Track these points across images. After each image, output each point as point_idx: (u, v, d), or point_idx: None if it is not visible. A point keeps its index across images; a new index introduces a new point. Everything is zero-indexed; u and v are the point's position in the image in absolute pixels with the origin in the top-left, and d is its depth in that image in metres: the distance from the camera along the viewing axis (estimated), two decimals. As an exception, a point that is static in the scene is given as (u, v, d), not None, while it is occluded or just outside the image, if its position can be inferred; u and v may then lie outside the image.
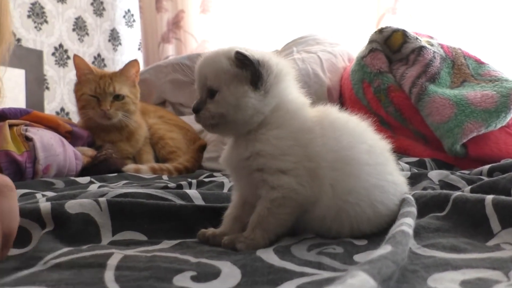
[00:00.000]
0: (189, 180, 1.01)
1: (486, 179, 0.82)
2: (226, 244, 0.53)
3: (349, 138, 0.55)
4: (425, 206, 0.63)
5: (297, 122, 0.55)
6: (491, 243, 0.51)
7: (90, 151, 1.26)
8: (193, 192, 0.78)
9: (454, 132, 1.07)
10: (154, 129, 1.47)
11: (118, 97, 1.33)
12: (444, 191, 0.66)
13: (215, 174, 1.24)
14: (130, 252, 0.49)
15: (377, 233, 0.55)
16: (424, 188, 0.80)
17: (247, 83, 0.54)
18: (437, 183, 0.86)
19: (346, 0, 2.28)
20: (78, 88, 1.35)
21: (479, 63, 1.27)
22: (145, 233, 0.60)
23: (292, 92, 0.58)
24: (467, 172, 0.96)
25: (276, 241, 0.55)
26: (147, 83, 1.85)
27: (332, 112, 0.59)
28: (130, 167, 1.25)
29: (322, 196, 0.53)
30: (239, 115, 0.54)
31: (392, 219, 0.54)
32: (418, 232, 0.53)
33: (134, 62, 1.38)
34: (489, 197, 0.56)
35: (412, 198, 0.58)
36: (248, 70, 0.54)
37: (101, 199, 0.62)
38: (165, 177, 1.23)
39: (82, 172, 1.21)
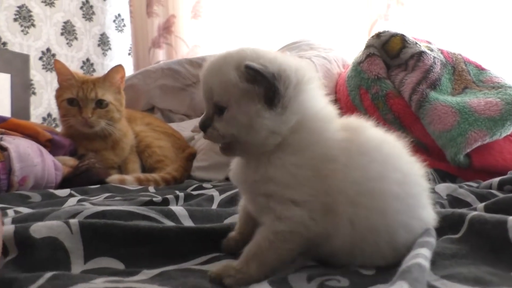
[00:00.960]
0: (176, 193, 0.94)
1: (496, 193, 0.77)
2: (212, 277, 0.45)
3: (379, 167, 0.47)
4: (437, 226, 0.57)
5: (320, 148, 0.47)
6: None
7: (72, 161, 1.18)
8: (179, 209, 0.72)
9: (457, 141, 1.01)
10: (141, 136, 1.39)
11: (101, 104, 1.25)
12: (457, 210, 0.60)
13: (204, 185, 1.17)
14: (100, 285, 0.42)
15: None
16: (432, 204, 0.74)
17: (260, 100, 0.46)
18: (445, 197, 0.80)
19: (338, 6, 2.25)
20: (59, 94, 1.27)
21: (480, 69, 1.23)
22: (122, 259, 0.53)
23: (316, 104, 0.49)
24: (475, 185, 0.91)
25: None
26: (135, 88, 1.78)
27: (364, 129, 0.50)
28: (114, 177, 1.18)
29: (337, 233, 0.46)
30: (252, 137, 0.46)
31: None
32: (433, 260, 0.47)
33: (119, 67, 1.30)
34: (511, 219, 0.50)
35: (433, 229, 0.51)
36: (261, 86, 0.46)
37: (72, 221, 0.54)
38: (151, 188, 1.15)
39: (63, 184, 1.13)
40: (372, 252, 0.47)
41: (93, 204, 0.76)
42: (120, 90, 1.32)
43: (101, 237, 0.54)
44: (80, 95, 1.23)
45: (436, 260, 0.51)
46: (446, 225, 0.56)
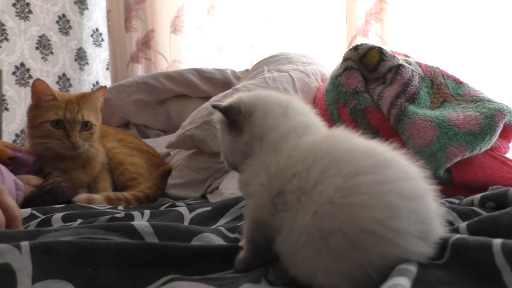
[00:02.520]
0: (143, 211, 0.89)
1: (479, 210, 0.74)
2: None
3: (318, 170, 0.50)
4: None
5: (272, 154, 0.56)
6: None
7: (36, 180, 1.11)
8: (143, 226, 0.66)
9: (437, 156, 0.98)
10: (112, 153, 1.33)
11: (86, 126, 1.19)
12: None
13: (178, 203, 1.12)
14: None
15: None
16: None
17: (229, 129, 0.61)
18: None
19: (317, 21, 2.26)
20: (37, 114, 1.17)
21: (458, 82, 1.21)
22: (74, 282, 0.49)
23: (271, 125, 0.58)
24: (456, 201, 0.88)
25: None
26: (108, 103, 1.72)
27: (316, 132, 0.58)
28: (81, 197, 1.11)
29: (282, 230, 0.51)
30: (231, 156, 0.62)
31: None
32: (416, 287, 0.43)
33: (104, 89, 1.27)
34: (497, 243, 0.46)
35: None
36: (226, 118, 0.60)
37: (23, 243, 0.50)
38: (121, 207, 1.09)
39: (26, 204, 1.06)
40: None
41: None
42: (98, 109, 1.27)
43: (52, 257, 0.49)
44: (67, 117, 1.16)
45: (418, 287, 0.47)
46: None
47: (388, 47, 1.77)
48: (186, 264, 0.57)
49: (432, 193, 0.51)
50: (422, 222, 0.46)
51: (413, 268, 0.44)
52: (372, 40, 2.09)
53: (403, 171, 0.49)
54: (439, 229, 0.50)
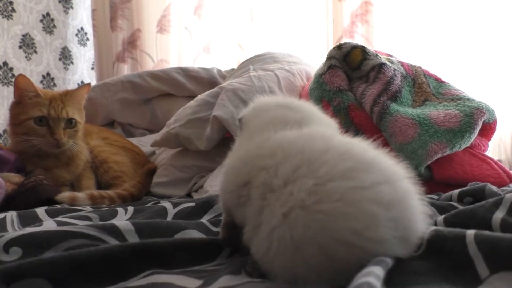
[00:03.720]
0: (126, 207, 0.89)
1: (456, 205, 0.75)
2: None
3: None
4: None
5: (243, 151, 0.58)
6: None
7: (17, 178, 1.10)
8: (124, 224, 0.66)
9: (418, 153, 1.00)
10: (96, 151, 1.32)
11: (70, 123, 1.18)
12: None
13: (162, 202, 1.11)
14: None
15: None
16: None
17: None
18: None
19: (303, 22, 2.28)
20: (20, 111, 1.15)
21: (439, 81, 1.24)
22: (52, 280, 0.48)
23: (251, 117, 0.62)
24: (435, 197, 0.89)
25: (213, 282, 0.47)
26: (93, 102, 1.71)
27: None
28: (64, 195, 1.10)
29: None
30: None
31: None
32: (391, 277, 0.44)
33: (88, 86, 1.25)
34: (470, 234, 0.47)
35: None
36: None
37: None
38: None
39: (7, 202, 1.04)
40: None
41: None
42: (82, 106, 1.26)
43: (32, 255, 0.49)
44: (51, 114, 1.14)
45: (394, 277, 0.48)
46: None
47: (373, 48, 1.80)
48: (167, 258, 0.58)
49: (416, 194, 0.50)
50: (403, 227, 0.45)
51: (388, 260, 0.45)
52: (358, 41, 2.12)
53: (384, 174, 0.46)
54: (422, 229, 0.50)
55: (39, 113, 1.14)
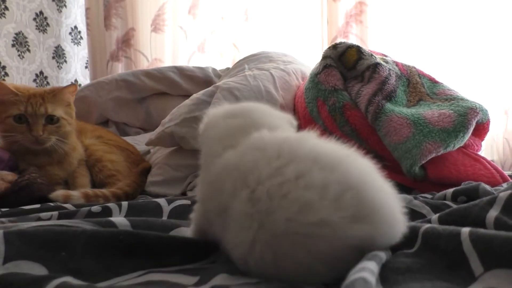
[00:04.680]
0: (120, 203, 0.89)
1: (451, 204, 0.76)
2: None
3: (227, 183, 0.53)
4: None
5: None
6: None
7: (10, 176, 1.09)
8: (120, 220, 0.67)
9: (413, 153, 1.01)
10: (90, 150, 1.31)
11: (52, 120, 1.17)
12: (411, 223, 0.57)
13: (157, 199, 1.11)
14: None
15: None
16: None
17: None
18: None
19: (298, 22, 2.28)
20: (2, 110, 1.16)
21: (434, 82, 1.25)
22: (47, 265, 0.49)
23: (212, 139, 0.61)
24: (429, 196, 0.90)
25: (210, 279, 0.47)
26: (87, 100, 1.70)
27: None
28: (58, 193, 1.09)
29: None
30: None
31: None
32: (385, 274, 0.44)
33: (74, 87, 1.24)
34: (465, 231, 0.47)
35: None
36: None
37: None
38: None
39: (1, 200, 1.03)
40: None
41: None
42: (70, 103, 1.24)
43: (26, 240, 0.49)
44: (29, 111, 1.13)
45: (389, 275, 0.48)
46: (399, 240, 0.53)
47: (367, 49, 1.80)
48: (163, 256, 0.57)
49: (368, 174, 0.48)
50: (351, 206, 0.43)
51: (382, 254, 0.45)
52: (352, 41, 2.12)
53: (317, 160, 0.46)
54: (388, 205, 0.47)
55: (17, 111, 1.14)
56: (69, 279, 0.44)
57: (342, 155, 0.49)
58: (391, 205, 0.48)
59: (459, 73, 2.00)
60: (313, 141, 0.51)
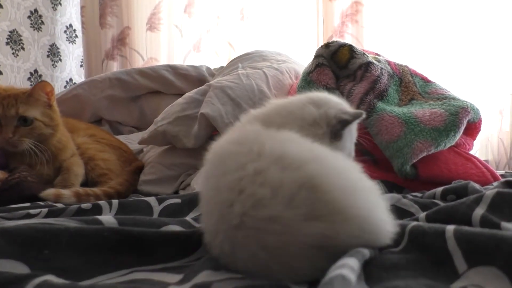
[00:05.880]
0: (111, 201, 0.88)
1: (439, 202, 0.76)
2: None
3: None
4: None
5: None
6: (456, 285, 0.43)
7: (1, 174, 1.08)
8: (107, 218, 0.66)
9: (404, 152, 1.01)
10: (82, 149, 1.30)
11: (25, 121, 1.13)
12: (398, 221, 0.57)
13: (147, 198, 1.10)
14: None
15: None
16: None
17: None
18: (388, 208, 0.79)
19: (294, 21, 2.29)
20: None
21: (426, 81, 1.24)
22: (29, 263, 0.49)
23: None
24: (419, 194, 0.90)
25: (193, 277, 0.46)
26: (80, 99, 1.69)
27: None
28: (49, 192, 1.08)
29: None
30: None
31: None
32: (370, 272, 0.44)
33: (42, 83, 1.19)
34: (450, 229, 0.47)
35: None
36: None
37: None
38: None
39: (-10, 199, 1.03)
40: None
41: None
42: (51, 104, 1.21)
43: (8, 238, 0.49)
44: (0, 112, 1.10)
45: (373, 272, 0.48)
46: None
47: (363, 48, 1.80)
48: (148, 252, 0.57)
49: (326, 176, 0.47)
50: (306, 205, 0.44)
51: (366, 251, 0.45)
52: (348, 41, 2.12)
53: (278, 158, 0.48)
54: (349, 205, 0.46)
55: None
56: (50, 277, 0.44)
57: (311, 156, 0.49)
58: (362, 207, 0.47)
59: (454, 73, 2.00)
60: (285, 141, 0.52)
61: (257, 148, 0.50)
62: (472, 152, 1.92)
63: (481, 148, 2.01)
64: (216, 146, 0.56)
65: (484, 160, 1.98)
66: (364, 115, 0.65)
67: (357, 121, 0.67)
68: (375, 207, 0.49)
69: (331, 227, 0.44)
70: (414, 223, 0.55)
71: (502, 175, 1.29)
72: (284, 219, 0.43)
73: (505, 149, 1.96)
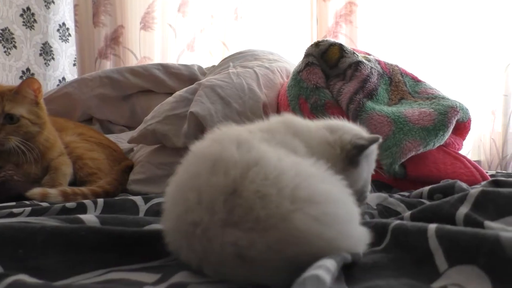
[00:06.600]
0: (96, 200, 0.87)
1: (426, 202, 0.75)
2: None
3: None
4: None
5: None
6: (436, 284, 0.43)
7: (-14, 173, 1.07)
8: (89, 217, 0.65)
9: (393, 151, 1.00)
10: (71, 148, 1.29)
11: (11, 119, 1.12)
12: (382, 220, 0.57)
13: (132, 197, 1.09)
14: None
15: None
16: (361, 215, 0.71)
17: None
18: (375, 207, 0.78)
19: (288, 21, 2.28)
20: None
21: (416, 80, 1.24)
22: (3, 263, 0.48)
23: None
24: (407, 194, 0.89)
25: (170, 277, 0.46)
26: (70, 97, 1.68)
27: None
28: (35, 191, 1.06)
29: None
30: None
31: None
32: (351, 273, 0.43)
33: (30, 80, 1.18)
34: (432, 228, 0.47)
35: None
36: None
37: None
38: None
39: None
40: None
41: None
42: (38, 102, 1.19)
43: None
44: None
45: (355, 273, 0.48)
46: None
47: (357, 49, 1.80)
48: (128, 251, 0.56)
49: (268, 178, 0.46)
50: (222, 210, 0.44)
51: (347, 255, 0.44)
52: (342, 41, 2.12)
53: (215, 163, 0.49)
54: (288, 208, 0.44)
55: None
56: (23, 277, 0.43)
57: (246, 159, 0.48)
58: (288, 217, 0.43)
59: (447, 73, 2.01)
60: (230, 144, 0.52)
61: (201, 152, 0.53)
62: (464, 152, 1.93)
63: (474, 148, 2.01)
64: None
65: (476, 161, 2.00)
66: (380, 140, 0.62)
67: (374, 146, 0.64)
68: (308, 217, 0.43)
69: (249, 236, 0.43)
70: (397, 221, 0.54)
71: (492, 175, 1.29)
72: (204, 223, 0.45)
73: (497, 150, 1.96)
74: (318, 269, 0.37)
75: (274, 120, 0.65)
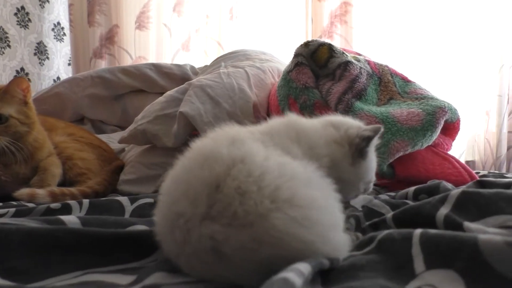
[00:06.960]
0: (81, 201, 0.87)
1: (411, 202, 0.75)
2: None
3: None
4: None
5: None
6: (411, 285, 0.43)
7: (-26, 173, 1.07)
8: (70, 218, 0.65)
9: (381, 151, 1.00)
10: (60, 148, 1.28)
11: (0, 119, 1.11)
12: (369, 234, 0.57)
13: (118, 197, 1.09)
14: None
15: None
16: (346, 217, 0.71)
17: None
18: (360, 209, 0.78)
19: (283, 21, 2.28)
20: None
21: (406, 81, 1.24)
22: None
23: None
24: (393, 194, 0.89)
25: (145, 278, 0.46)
26: (61, 97, 1.67)
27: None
28: (23, 192, 1.06)
29: None
30: None
31: None
32: (328, 276, 0.43)
33: (19, 79, 1.17)
34: (417, 234, 0.47)
35: None
36: None
37: None
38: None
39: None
40: None
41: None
42: (27, 101, 1.19)
43: None
44: None
45: (331, 276, 0.47)
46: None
47: (352, 49, 1.80)
48: (106, 253, 0.56)
49: (243, 176, 0.47)
50: (204, 203, 0.45)
51: (324, 260, 0.44)
52: (337, 41, 2.12)
53: (199, 161, 0.50)
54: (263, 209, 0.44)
55: None
56: (-4, 278, 0.43)
57: (233, 156, 0.49)
58: (266, 215, 0.43)
59: (442, 74, 2.01)
60: (222, 140, 0.53)
61: (197, 148, 0.54)
62: (459, 152, 1.93)
63: (468, 148, 2.01)
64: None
65: (470, 161, 1.99)
66: (382, 129, 0.64)
67: (377, 137, 0.65)
68: (287, 217, 0.43)
69: (225, 231, 0.43)
70: (386, 231, 0.54)
71: (483, 175, 1.28)
72: (186, 215, 0.46)
73: (491, 150, 1.96)
74: (288, 272, 0.37)
75: (278, 121, 0.65)
